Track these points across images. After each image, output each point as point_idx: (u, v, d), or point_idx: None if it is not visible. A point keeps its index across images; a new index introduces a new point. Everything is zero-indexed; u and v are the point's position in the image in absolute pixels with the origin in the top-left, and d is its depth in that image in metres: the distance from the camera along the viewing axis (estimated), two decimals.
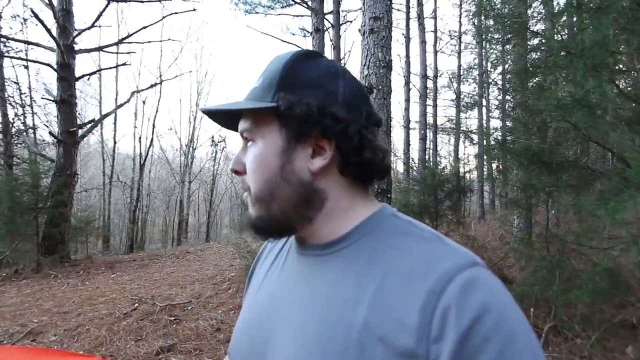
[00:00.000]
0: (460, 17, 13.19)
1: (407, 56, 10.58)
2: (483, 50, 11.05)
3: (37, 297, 4.64)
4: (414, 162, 7.77)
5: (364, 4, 3.04)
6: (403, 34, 10.95)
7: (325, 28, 7.59)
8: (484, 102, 12.13)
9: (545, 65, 1.81)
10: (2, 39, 8.42)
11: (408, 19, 10.64)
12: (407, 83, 10.47)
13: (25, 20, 9.63)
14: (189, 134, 19.18)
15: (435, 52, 11.63)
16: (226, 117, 0.56)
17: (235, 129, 0.56)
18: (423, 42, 9.45)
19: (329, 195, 0.50)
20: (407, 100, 10.67)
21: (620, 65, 1.69)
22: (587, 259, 1.59)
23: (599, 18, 1.45)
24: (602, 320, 1.76)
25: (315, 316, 0.45)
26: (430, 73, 12.20)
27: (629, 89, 1.64)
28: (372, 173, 0.52)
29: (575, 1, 1.56)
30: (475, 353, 0.36)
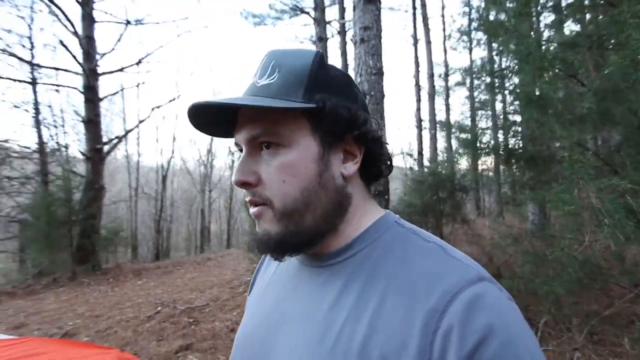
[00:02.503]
0: (470, 14, 13.03)
1: (416, 57, 10.59)
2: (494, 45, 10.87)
3: (72, 303, 5.04)
4: (414, 162, 7.70)
5: (354, 16, 3.20)
6: (412, 36, 10.98)
7: (329, 37, 7.81)
8: (500, 98, 11.85)
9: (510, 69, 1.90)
10: (35, 67, 9.17)
11: (415, 20, 10.67)
12: (417, 84, 10.47)
13: (54, 48, 10.44)
14: (208, 144, 19.90)
15: (445, 51, 11.56)
16: (214, 121, 0.48)
17: (221, 135, 0.51)
18: (429, 42, 9.47)
19: (352, 201, 0.48)
20: (418, 100, 10.65)
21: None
22: (568, 251, 1.64)
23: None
24: (589, 312, 1.78)
25: (316, 333, 0.43)
26: (441, 71, 12.12)
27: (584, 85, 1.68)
28: (385, 173, 0.52)
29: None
30: None
